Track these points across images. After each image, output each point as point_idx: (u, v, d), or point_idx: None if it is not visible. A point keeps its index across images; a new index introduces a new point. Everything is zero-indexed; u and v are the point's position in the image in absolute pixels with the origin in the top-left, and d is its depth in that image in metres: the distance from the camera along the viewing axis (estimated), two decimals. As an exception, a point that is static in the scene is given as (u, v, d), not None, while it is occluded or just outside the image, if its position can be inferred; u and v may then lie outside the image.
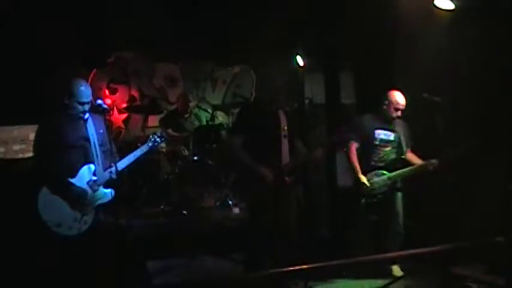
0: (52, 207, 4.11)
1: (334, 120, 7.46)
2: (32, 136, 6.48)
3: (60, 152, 4.20)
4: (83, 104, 4.24)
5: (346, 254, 3.67)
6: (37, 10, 6.28)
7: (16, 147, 6.45)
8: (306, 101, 7.65)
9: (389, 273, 4.91)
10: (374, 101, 5.41)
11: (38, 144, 4.31)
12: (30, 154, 6.44)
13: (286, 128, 4.64)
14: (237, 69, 9.22)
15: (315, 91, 8.07)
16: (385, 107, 5.15)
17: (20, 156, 6.45)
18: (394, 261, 4.91)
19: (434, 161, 4.96)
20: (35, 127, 6.45)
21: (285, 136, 4.62)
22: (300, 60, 7.58)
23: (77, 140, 4.26)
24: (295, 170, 4.63)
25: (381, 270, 4.87)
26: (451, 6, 5.00)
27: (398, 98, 5.11)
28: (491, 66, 5.23)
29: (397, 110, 5.11)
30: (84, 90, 4.25)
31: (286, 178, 4.54)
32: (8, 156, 6.39)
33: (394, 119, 5.15)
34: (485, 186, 5.22)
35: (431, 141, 5.08)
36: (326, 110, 7.77)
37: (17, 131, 6.51)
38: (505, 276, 4.23)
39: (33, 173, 4.43)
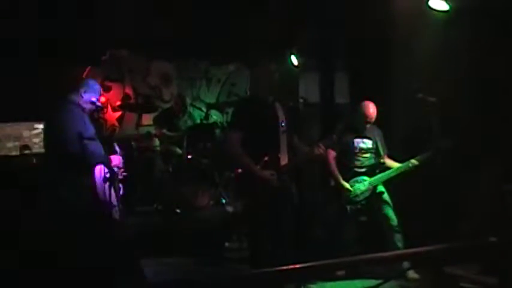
0: None
1: (328, 120, 7.49)
2: (25, 133, 6.50)
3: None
4: (94, 103, 4.58)
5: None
6: (32, 7, 6.25)
7: (10, 144, 6.43)
8: (301, 101, 7.65)
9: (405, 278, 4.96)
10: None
11: (62, 139, 4.34)
12: (25, 151, 6.46)
13: (284, 123, 4.55)
14: (231, 67, 9.21)
15: (309, 91, 8.09)
16: (357, 117, 5.35)
17: (14, 153, 6.43)
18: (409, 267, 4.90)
19: (413, 161, 5.11)
20: (28, 124, 6.52)
21: (283, 132, 4.52)
22: (294, 60, 7.59)
23: (93, 134, 4.43)
24: (294, 170, 4.58)
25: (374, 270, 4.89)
26: (445, 7, 5.01)
27: (369, 109, 5.28)
28: (486, 67, 5.24)
29: (367, 121, 5.30)
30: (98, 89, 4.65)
31: (285, 178, 4.47)
32: (2, 153, 6.37)
33: (366, 128, 5.34)
34: (479, 186, 5.23)
35: (426, 141, 5.14)
36: (320, 110, 7.79)
37: (10, 128, 6.49)
38: (498, 276, 4.25)
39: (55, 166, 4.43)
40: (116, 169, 4.48)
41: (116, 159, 4.57)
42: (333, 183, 5.44)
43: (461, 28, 5.27)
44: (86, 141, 4.27)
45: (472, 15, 5.17)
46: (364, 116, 5.29)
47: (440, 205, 5.23)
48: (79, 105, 4.50)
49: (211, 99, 9.11)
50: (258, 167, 4.39)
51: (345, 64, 7.76)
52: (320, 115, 7.82)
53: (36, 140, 6.59)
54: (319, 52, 7.73)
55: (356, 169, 5.35)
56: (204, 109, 8.42)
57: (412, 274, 5.01)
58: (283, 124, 4.52)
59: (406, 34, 5.84)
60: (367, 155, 5.38)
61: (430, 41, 5.58)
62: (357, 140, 5.37)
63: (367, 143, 5.38)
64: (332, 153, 5.37)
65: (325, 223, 6.54)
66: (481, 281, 4.74)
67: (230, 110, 7.81)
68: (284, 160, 4.49)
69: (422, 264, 4.61)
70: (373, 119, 5.31)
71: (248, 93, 8.89)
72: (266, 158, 4.40)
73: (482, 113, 5.31)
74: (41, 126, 6.60)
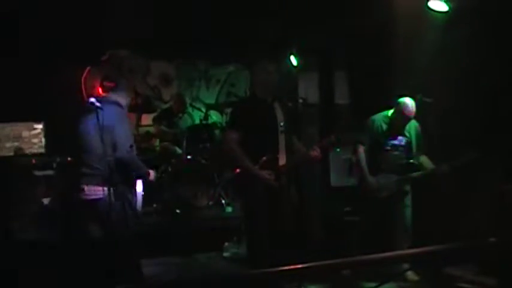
0: None
1: (328, 120, 7.50)
2: (25, 134, 6.50)
3: None
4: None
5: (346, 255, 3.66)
6: (31, 7, 6.25)
7: (9, 144, 6.42)
8: (300, 101, 7.65)
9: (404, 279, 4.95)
10: (368, 102, 5.45)
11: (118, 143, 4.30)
12: (24, 152, 6.47)
13: (282, 123, 4.53)
14: (231, 68, 9.22)
15: (308, 91, 8.09)
16: (395, 113, 5.20)
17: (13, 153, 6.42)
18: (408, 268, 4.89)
19: (444, 167, 4.98)
20: (28, 124, 6.52)
21: (282, 132, 4.51)
22: (293, 60, 7.60)
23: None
24: (292, 170, 4.58)
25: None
26: (444, 8, 5.02)
27: (409, 107, 5.09)
28: (486, 67, 5.25)
29: (408, 119, 5.15)
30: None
31: (284, 178, 4.47)
32: (1, 154, 6.36)
33: (406, 126, 5.20)
34: (477, 187, 5.24)
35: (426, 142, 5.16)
36: (320, 110, 7.80)
37: (9, 128, 6.49)
38: (497, 277, 4.26)
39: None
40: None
41: (152, 175, 4.55)
42: (358, 178, 5.35)
43: (461, 28, 5.27)
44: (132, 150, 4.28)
45: (472, 15, 5.18)
46: (404, 115, 5.11)
47: (441, 205, 5.24)
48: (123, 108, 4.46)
49: (211, 100, 9.11)
50: (257, 166, 4.40)
51: (344, 64, 7.77)
52: (319, 115, 7.82)
53: (35, 140, 6.59)
54: (319, 52, 7.73)
55: (385, 166, 5.21)
56: (204, 109, 8.43)
57: (411, 276, 5.00)
58: (282, 124, 4.53)
59: (406, 34, 5.85)
60: (397, 152, 5.22)
61: (430, 42, 5.59)
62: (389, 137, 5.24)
63: (401, 140, 5.23)
64: (361, 147, 5.26)
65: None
66: (479, 281, 4.75)
67: (229, 111, 7.83)
68: (283, 160, 4.50)
69: (421, 265, 4.63)
70: (413, 116, 5.13)
71: (247, 93, 8.92)
72: (265, 158, 4.42)
73: (482, 112, 5.32)
74: (40, 126, 6.61)
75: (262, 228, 4.44)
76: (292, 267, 2.38)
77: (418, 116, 5.18)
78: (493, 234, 2.66)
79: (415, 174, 5.15)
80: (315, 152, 4.48)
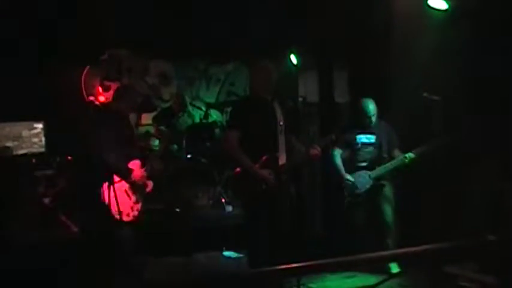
0: None
1: (328, 119, 7.49)
2: (24, 133, 6.50)
3: None
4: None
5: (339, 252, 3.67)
6: (30, 7, 6.25)
7: (9, 144, 6.42)
8: (300, 100, 7.65)
9: (384, 271, 4.98)
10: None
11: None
12: (23, 151, 6.47)
13: (282, 123, 4.56)
14: (231, 67, 9.21)
15: (308, 89, 8.09)
16: (360, 114, 5.48)
17: (13, 153, 6.42)
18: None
19: (409, 154, 5.19)
20: (27, 124, 6.52)
21: (281, 132, 4.54)
22: (293, 59, 7.59)
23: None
24: (292, 169, 4.60)
25: (375, 267, 4.92)
26: (444, 6, 5.02)
27: (368, 107, 5.41)
28: (486, 65, 5.25)
29: (368, 117, 5.40)
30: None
31: (283, 177, 4.48)
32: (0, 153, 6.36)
33: (369, 123, 5.43)
34: (477, 184, 5.25)
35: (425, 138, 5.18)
36: (319, 109, 7.79)
37: (9, 128, 6.49)
38: (497, 275, 4.26)
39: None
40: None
41: (138, 173, 4.53)
42: (335, 178, 5.54)
43: (461, 27, 5.27)
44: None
45: (472, 14, 5.18)
46: (364, 113, 5.39)
47: (438, 202, 5.26)
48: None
49: (211, 99, 9.10)
50: (257, 166, 4.40)
51: (344, 63, 7.76)
52: (319, 114, 7.82)
53: (35, 140, 6.59)
54: (319, 51, 7.72)
55: (358, 163, 5.46)
56: (204, 108, 8.42)
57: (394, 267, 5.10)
58: (281, 123, 4.54)
59: (405, 32, 5.85)
60: (369, 149, 5.47)
61: (429, 40, 5.59)
62: (359, 136, 5.47)
63: (371, 138, 5.47)
64: (337, 150, 5.52)
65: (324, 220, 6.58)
66: (479, 279, 4.75)
67: (229, 109, 7.82)
68: (282, 160, 4.50)
69: (420, 263, 4.63)
70: (374, 115, 5.39)
71: (247, 92, 8.91)
72: (265, 157, 4.42)
73: (481, 111, 5.32)
74: (40, 125, 6.61)
75: (262, 228, 4.45)
76: (291, 265, 2.39)
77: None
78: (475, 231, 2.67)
79: (383, 166, 5.35)
80: (315, 151, 4.52)
